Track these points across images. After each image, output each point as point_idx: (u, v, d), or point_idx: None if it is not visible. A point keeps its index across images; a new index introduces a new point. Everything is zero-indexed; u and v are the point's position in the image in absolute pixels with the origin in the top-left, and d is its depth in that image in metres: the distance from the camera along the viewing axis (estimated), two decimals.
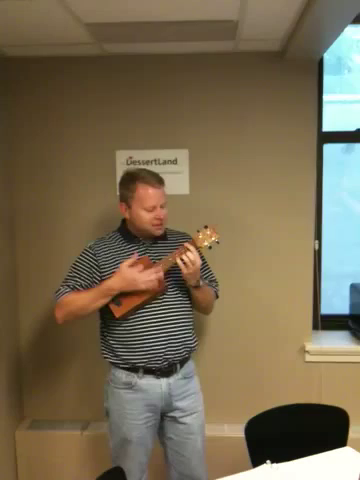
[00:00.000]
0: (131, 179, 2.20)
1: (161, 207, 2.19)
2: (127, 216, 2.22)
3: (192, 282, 2.18)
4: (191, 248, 2.13)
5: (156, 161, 2.80)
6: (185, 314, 2.24)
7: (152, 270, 2.11)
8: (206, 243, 2.18)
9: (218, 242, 2.20)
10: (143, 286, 2.09)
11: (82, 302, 2.14)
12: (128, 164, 2.78)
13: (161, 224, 2.21)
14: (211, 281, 2.41)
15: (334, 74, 3.14)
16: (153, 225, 2.18)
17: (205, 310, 2.41)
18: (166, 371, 2.19)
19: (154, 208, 2.17)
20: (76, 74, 2.77)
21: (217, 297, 2.42)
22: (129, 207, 2.20)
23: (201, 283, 2.23)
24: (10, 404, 2.86)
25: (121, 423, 2.21)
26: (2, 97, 2.75)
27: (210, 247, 2.19)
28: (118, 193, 2.28)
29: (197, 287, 2.21)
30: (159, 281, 2.12)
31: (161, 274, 2.12)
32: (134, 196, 2.17)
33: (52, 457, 2.91)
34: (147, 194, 2.16)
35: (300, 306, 2.87)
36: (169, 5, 2.03)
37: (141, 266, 2.11)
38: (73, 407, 2.98)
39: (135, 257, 2.14)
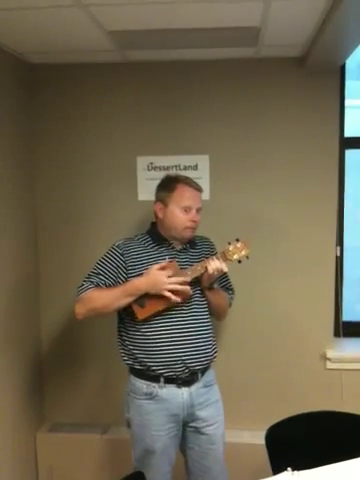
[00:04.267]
0: (172, 180, 2.25)
1: (197, 211, 2.21)
2: (161, 216, 2.23)
3: (207, 284, 2.21)
4: (220, 260, 2.15)
5: (177, 167, 2.81)
6: (204, 322, 2.24)
7: (180, 280, 2.11)
8: (236, 256, 2.18)
9: (248, 257, 2.19)
10: (166, 293, 2.08)
11: (106, 300, 2.13)
12: (149, 170, 2.80)
13: (194, 228, 2.23)
14: (228, 289, 2.42)
15: (356, 79, 3.11)
16: (186, 227, 2.20)
17: (217, 314, 2.40)
18: (187, 380, 2.17)
19: (190, 209, 2.19)
20: (98, 81, 2.80)
21: (230, 305, 2.43)
22: (165, 206, 2.21)
23: (215, 286, 2.28)
24: (31, 407, 2.89)
25: (144, 434, 2.18)
26: (26, 102, 2.79)
27: (240, 261, 2.19)
28: (154, 196, 2.29)
29: (211, 289, 2.25)
30: (185, 292, 2.13)
31: (188, 289, 2.13)
32: (172, 195, 2.20)
33: (72, 460, 2.92)
34: (186, 193, 2.20)
35: (321, 313, 2.85)
36: (191, 13, 2.04)
37: (171, 272, 2.11)
38: (93, 411, 3.00)
39: (166, 262, 2.15)
